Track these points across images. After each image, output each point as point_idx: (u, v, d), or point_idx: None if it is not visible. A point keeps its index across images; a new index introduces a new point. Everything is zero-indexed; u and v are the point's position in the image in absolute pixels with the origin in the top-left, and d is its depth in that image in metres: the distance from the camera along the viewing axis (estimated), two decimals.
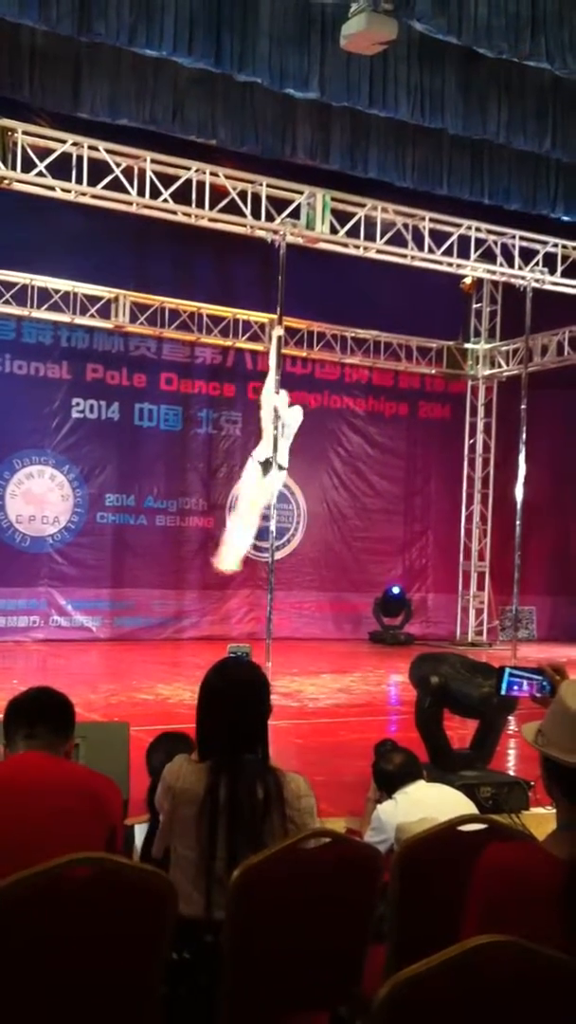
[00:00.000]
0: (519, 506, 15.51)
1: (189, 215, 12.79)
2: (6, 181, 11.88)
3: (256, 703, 3.17)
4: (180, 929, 2.47)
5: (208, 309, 16.48)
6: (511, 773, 7.19)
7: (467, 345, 18.57)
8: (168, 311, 16.20)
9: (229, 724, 3.09)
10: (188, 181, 12.57)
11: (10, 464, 15.62)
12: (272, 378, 13.06)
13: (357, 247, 13.76)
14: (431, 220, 14.10)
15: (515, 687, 2.90)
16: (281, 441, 12.88)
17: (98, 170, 12.15)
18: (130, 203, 12.43)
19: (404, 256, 14.12)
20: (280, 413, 12.81)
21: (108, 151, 12.13)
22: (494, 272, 15.20)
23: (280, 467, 12.90)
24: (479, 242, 14.61)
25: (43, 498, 15.83)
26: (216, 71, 10.05)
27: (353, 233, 13.58)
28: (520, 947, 1.94)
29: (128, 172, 12.26)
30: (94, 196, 12.27)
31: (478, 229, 14.51)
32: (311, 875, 2.80)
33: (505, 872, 2.23)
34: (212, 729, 3.13)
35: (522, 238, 14.84)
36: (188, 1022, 2.78)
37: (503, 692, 2.93)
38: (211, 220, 12.94)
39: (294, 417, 13.16)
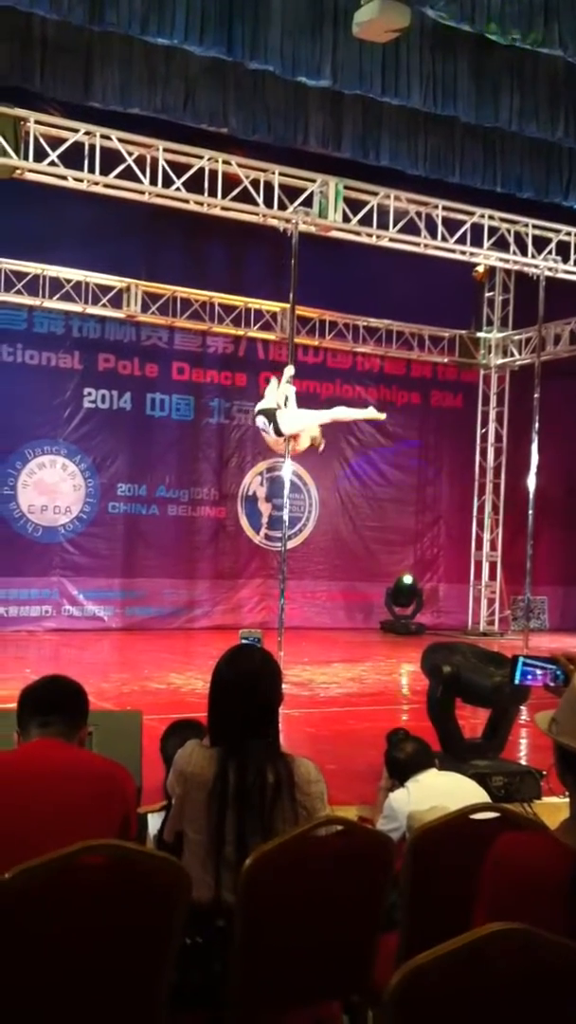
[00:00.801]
0: (531, 496, 15.48)
1: (201, 204, 12.76)
2: (18, 171, 11.87)
3: (267, 691, 3.18)
4: (192, 914, 2.49)
5: (220, 298, 16.46)
6: (523, 762, 7.19)
7: (479, 334, 18.52)
8: (180, 300, 16.18)
9: (240, 711, 3.10)
10: (200, 170, 12.54)
11: (22, 454, 15.65)
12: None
13: (369, 235, 13.72)
14: (444, 208, 14.05)
15: (528, 676, 2.90)
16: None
17: (110, 159, 12.14)
18: (142, 192, 12.41)
19: (417, 244, 14.07)
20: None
21: (120, 140, 12.11)
22: (507, 260, 15.14)
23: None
24: (492, 230, 14.55)
25: (55, 488, 15.86)
26: (228, 59, 10.03)
27: (365, 221, 13.54)
28: (531, 935, 1.94)
29: (140, 161, 12.24)
30: (106, 185, 12.25)
31: (491, 217, 14.46)
32: (323, 863, 2.81)
33: (516, 862, 2.23)
34: (223, 716, 3.14)
35: (535, 226, 14.78)
36: (200, 1008, 2.79)
37: (517, 681, 2.93)
38: (223, 209, 12.91)
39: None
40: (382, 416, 13.12)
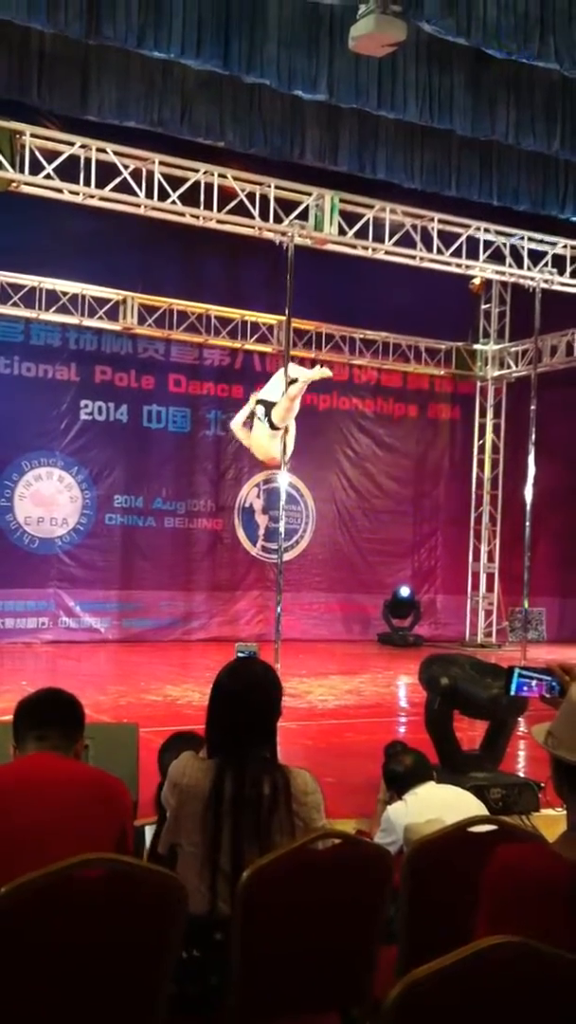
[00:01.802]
0: (528, 507, 15.49)
1: (197, 217, 12.80)
2: (14, 184, 11.90)
3: (268, 703, 3.18)
4: (188, 926, 2.47)
5: (216, 311, 16.49)
6: (521, 774, 7.18)
7: (476, 346, 18.56)
8: (176, 313, 16.21)
9: (237, 723, 3.10)
10: (196, 183, 12.58)
11: (19, 466, 15.65)
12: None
13: (365, 248, 13.76)
14: (440, 221, 14.10)
15: (524, 687, 2.89)
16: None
17: (106, 172, 12.17)
18: (138, 205, 12.44)
19: (413, 257, 14.11)
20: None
21: (116, 153, 12.14)
22: (503, 273, 15.19)
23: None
24: (488, 243, 14.60)
25: (52, 500, 15.85)
26: (224, 73, 10.05)
27: (361, 234, 13.58)
28: (530, 948, 1.93)
29: (136, 174, 12.27)
30: (102, 198, 12.28)
31: (487, 230, 14.50)
32: (321, 876, 2.80)
33: (515, 874, 2.23)
34: (222, 727, 3.13)
35: (531, 239, 14.83)
36: (197, 1022, 2.78)
37: (512, 692, 2.92)
38: (219, 222, 12.95)
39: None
40: (328, 373, 13.14)
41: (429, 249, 14.10)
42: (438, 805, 4.23)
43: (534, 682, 2.88)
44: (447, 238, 14.27)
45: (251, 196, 12.91)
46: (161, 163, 12.36)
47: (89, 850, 2.37)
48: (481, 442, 18.70)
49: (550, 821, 5.52)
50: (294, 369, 12.72)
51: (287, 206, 13.12)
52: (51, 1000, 2.31)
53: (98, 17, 9.08)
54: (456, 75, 10.52)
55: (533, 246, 14.89)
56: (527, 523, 15.44)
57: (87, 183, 12.05)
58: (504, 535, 18.54)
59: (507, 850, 2.32)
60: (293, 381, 12.30)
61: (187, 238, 14.59)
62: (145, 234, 14.76)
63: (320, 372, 12.90)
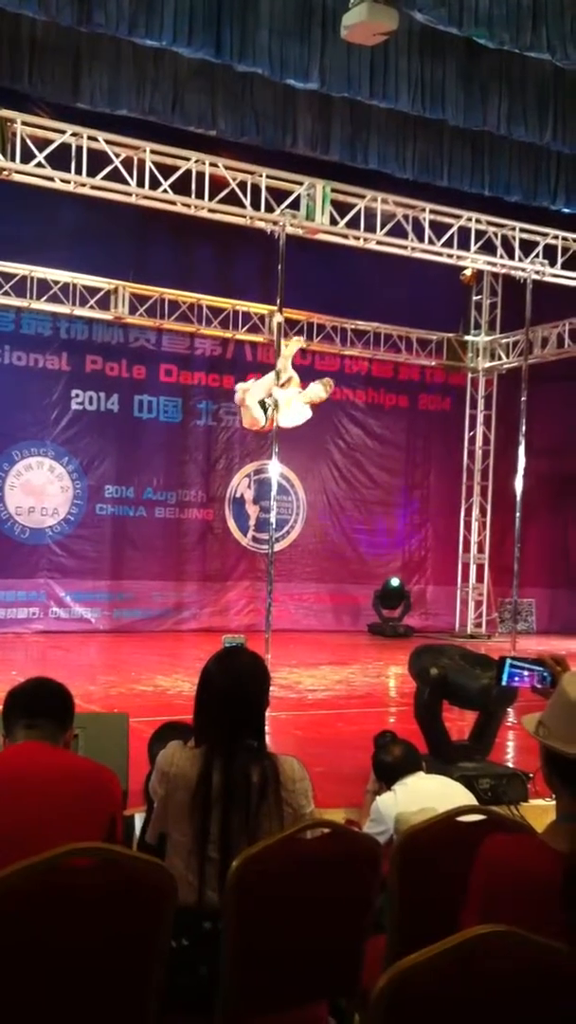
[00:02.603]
0: (518, 498, 15.51)
1: (189, 206, 12.76)
2: (5, 172, 11.84)
3: (255, 692, 3.18)
4: (177, 915, 2.48)
5: (208, 300, 16.46)
6: (510, 765, 7.20)
7: (467, 337, 18.56)
8: (168, 302, 16.17)
9: (226, 712, 3.10)
10: (188, 172, 12.54)
11: (9, 456, 15.61)
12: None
13: (357, 238, 13.74)
14: (431, 211, 14.07)
15: (516, 678, 2.90)
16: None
17: (97, 161, 12.12)
18: (129, 194, 12.39)
19: (404, 247, 14.09)
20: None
21: (107, 142, 12.09)
22: (494, 264, 15.17)
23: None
24: (479, 234, 14.58)
25: (42, 490, 15.82)
26: (216, 61, 10.03)
27: (353, 224, 13.55)
28: (519, 937, 1.94)
29: (128, 163, 12.23)
30: (93, 187, 12.23)
31: (478, 221, 14.48)
32: (310, 866, 2.80)
33: (506, 864, 2.23)
34: (210, 716, 3.13)
35: (522, 230, 14.82)
36: (188, 1012, 2.78)
37: (504, 682, 2.93)
38: (211, 211, 12.91)
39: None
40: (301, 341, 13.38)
41: (420, 239, 14.09)
42: (427, 795, 4.24)
43: (525, 672, 2.88)
44: (439, 228, 14.25)
45: (243, 185, 12.88)
46: (152, 152, 12.31)
47: (79, 839, 2.37)
48: (472, 433, 18.71)
49: (539, 811, 5.54)
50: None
51: (279, 195, 13.09)
52: (41, 990, 2.31)
53: (89, 5, 9.06)
54: (448, 65, 10.52)
55: (525, 237, 14.88)
56: (517, 514, 15.45)
57: (78, 172, 12.00)
58: (494, 526, 18.57)
59: (495, 841, 2.33)
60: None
61: (178, 227, 14.55)
62: (136, 223, 14.73)
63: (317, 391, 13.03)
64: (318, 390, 12.85)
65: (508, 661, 2.93)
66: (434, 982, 1.90)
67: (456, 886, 2.32)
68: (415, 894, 2.94)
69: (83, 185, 12.17)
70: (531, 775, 6.22)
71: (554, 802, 2.35)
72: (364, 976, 2.90)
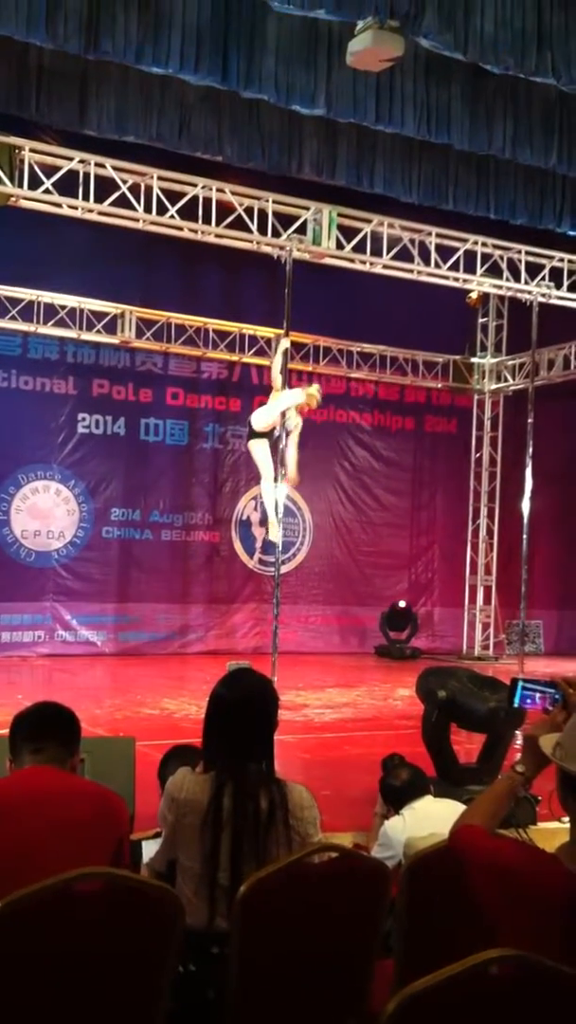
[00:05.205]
0: (525, 520, 15.48)
1: (195, 231, 12.82)
2: (13, 198, 11.93)
3: (263, 715, 3.17)
4: (185, 940, 2.47)
5: (214, 324, 16.52)
6: None
7: (473, 359, 18.59)
8: (174, 326, 16.23)
9: (235, 736, 3.09)
10: (195, 197, 12.60)
11: (16, 479, 15.65)
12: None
13: (363, 262, 13.79)
14: (437, 235, 14.12)
15: (528, 700, 2.89)
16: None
17: (105, 187, 12.20)
18: (136, 219, 12.46)
19: (410, 271, 14.14)
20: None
21: (115, 168, 12.17)
22: (500, 287, 15.21)
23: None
24: (485, 257, 14.63)
25: (49, 513, 15.84)
26: (222, 88, 10.09)
27: (359, 248, 13.61)
28: (528, 961, 1.93)
29: (135, 189, 12.30)
30: (101, 213, 12.31)
31: (484, 244, 14.53)
32: (318, 890, 2.79)
33: (518, 874, 2.22)
34: (218, 740, 3.13)
35: (528, 252, 14.86)
36: None
37: (516, 704, 2.91)
38: (217, 236, 12.97)
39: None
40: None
41: (427, 263, 14.13)
42: (436, 820, 4.22)
43: (537, 694, 2.87)
44: (444, 252, 14.30)
45: (249, 210, 12.94)
46: (159, 178, 12.40)
47: (86, 864, 2.37)
48: (478, 455, 18.72)
49: (547, 835, 5.50)
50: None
51: (285, 220, 13.15)
52: (49, 1013, 2.31)
53: (97, 32, 9.11)
54: (454, 90, 10.55)
55: (530, 259, 14.92)
56: (524, 536, 15.43)
57: (86, 198, 12.07)
58: (501, 548, 18.53)
59: (502, 846, 2.32)
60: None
61: (185, 252, 14.63)
62: (143, 248, 14.80)
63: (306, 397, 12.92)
64: (297, 395, 12.60)
65: (521, 683, 2.91)
66: (443, 1006, 1.90)
67: (464, 910, 2.31)
68: (423, 918, 2.94)
69: (91, 211, 12.24)
70: (540, 798, 6.19)
71: (567, 824, 2.34)
72: (372, 1000, 2.88)
